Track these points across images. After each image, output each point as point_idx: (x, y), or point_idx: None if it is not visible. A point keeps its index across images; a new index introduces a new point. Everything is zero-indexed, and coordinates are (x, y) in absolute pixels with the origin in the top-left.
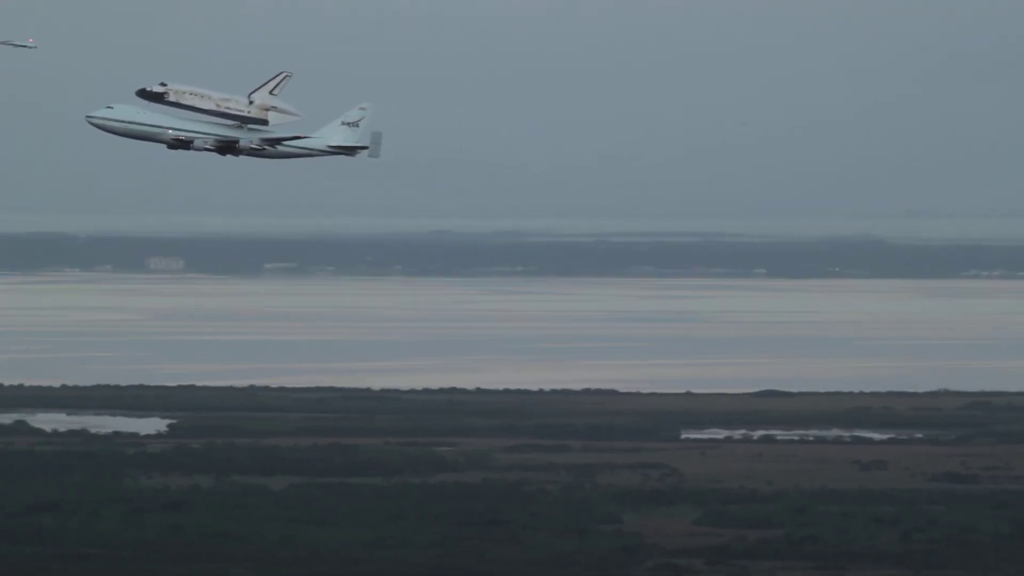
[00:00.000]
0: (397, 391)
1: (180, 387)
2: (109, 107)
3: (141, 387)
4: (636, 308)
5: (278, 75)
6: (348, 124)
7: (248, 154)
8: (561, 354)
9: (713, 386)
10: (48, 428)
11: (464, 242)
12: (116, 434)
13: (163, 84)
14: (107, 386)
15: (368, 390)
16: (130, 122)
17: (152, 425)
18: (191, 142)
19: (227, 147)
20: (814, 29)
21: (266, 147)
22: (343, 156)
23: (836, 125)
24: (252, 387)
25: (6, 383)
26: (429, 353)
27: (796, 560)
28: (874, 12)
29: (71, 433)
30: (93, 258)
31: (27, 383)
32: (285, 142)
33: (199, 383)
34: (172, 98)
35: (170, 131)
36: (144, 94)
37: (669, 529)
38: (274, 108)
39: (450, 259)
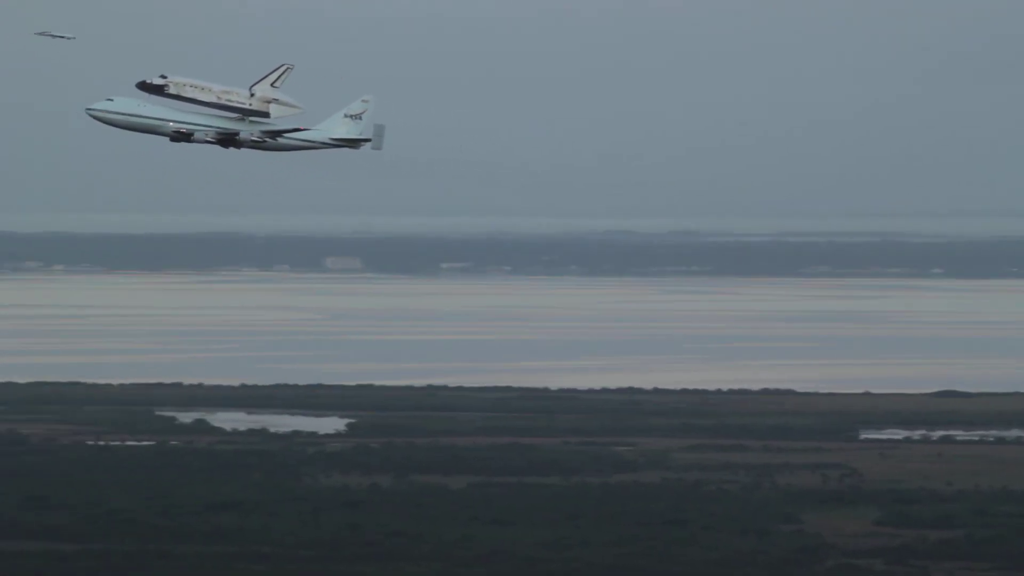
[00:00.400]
0: (575, 391)
1: (359, 386)
2: (109, 99)
3: (320, 386)
4: (813, 308)
5: (279, 67)
6: (351, 117)
7: (249, 146)
8: (738, 354)
9: (892, 386)
10: (228, 427)
11: (640, 242)
12: (295, 433)
13: (163, 76)
14: (286, 385)
15: (546, 390)
16: (130, 114)
17: (331, 424)
18: (191, 134)
19: (228, 139)
20: (814, 29)
21: (267, 139)
22: (346, 149)
23: (836, 125)
24: (430, 386)
25: (186, 382)
26: (606, 353)
27: (977, 561)
28: (874, 12)
29: (250, 432)
30: (271, 257)
31: (207, 382)
32: (286, 134)
33: (378, 382)
34: (172, 90)
35: (171, 123)
36: (144, 86)
37: (849, 529)
38: (275, 100)
39: (625, 259)
